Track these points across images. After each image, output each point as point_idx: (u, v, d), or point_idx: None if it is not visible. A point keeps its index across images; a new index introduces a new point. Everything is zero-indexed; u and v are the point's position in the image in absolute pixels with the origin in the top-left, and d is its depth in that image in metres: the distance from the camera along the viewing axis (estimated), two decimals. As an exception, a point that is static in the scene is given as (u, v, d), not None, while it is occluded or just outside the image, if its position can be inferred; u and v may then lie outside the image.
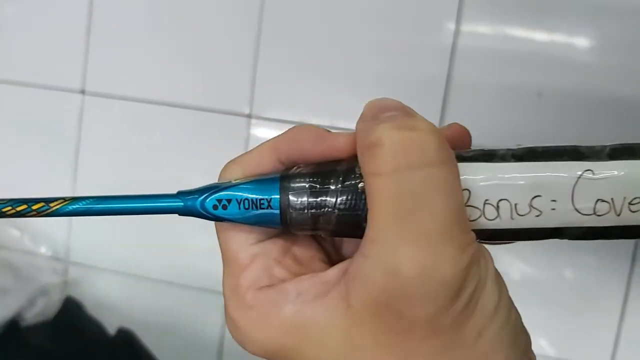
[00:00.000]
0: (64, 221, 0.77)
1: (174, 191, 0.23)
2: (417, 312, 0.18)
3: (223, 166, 0.23)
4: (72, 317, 0.72)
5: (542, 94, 0.64)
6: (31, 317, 0.71)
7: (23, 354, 0.68)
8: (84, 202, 0.22)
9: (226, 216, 0.22)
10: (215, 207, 0.22)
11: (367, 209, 0.20)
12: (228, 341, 0.73)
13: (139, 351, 0.67)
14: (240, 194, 0.22)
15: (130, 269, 0.75)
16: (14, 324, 0.69)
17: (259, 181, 0.22)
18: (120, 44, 0.74)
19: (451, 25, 0.65)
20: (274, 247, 0.23)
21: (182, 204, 0.22)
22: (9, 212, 0.22)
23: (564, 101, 0.63)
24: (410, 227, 0.18)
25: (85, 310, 0.72)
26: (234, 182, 0.22)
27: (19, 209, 0.22)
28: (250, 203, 0.21)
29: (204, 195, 0.22)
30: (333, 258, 0.24)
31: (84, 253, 0.77)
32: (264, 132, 0.70)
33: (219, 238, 0.23)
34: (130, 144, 0.75)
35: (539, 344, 0.65)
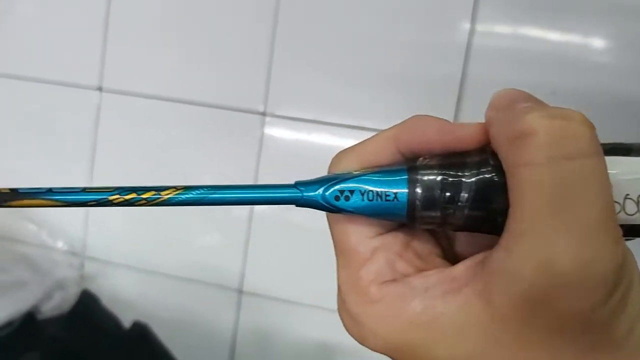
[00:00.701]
0: (80, 217, 0.78)
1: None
2: (572, 307, 0.18)
3: (334, 156, 0.22)
4: (87, 310, 0.73)
5: (556, 94, 0.63)
6: (48, 310, 0.72)
7: (39, 346, 0.69)
8: (197, 192, 0.21)
9: (348, 208, 0.21)
10: (337, 198, 0.21)
11: (505, 203, 0.19)
12: (241, 336, 0.74)
13: (154, 345, 0.68)
14: (364, 185, 0.21)
15: (145, 265, 0.76)
16: (31, 317, 0.70)
17: (385, 172, 0.21)
18: (137, 42, 0.75)
19: (466, 25, 0.65)
20: (395, 240, 0.22)
21: (300, 194, 0.21)
22: (116, 201, 0.21)
23: (578, 101, 0.63)
24: (566, 220, 0.17)
25: (100, 303, 0.73)
26: (355, 172, 0.21)
27: (127, 197, 0.21)
28: (375, 195, 0.21)
29: (326, 186, 0.21)
30: (447, 253, 0.23)
31: (100, 248, 0.78)
32: (278, 130, 0.71)
33: (333, 230, 0.22)
34: (146, 141, 0.76)
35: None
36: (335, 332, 0.70)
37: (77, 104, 0.76)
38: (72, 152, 0.78)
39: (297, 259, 0.72)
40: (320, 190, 0.21)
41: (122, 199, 0.21)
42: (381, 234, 0.22)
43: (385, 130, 0.22)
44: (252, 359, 0.75)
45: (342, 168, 0.22)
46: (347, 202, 0.21)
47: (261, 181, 0.69)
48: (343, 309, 0.22)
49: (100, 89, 0.76)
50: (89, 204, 0.21)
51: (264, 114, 0.71)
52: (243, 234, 0.73)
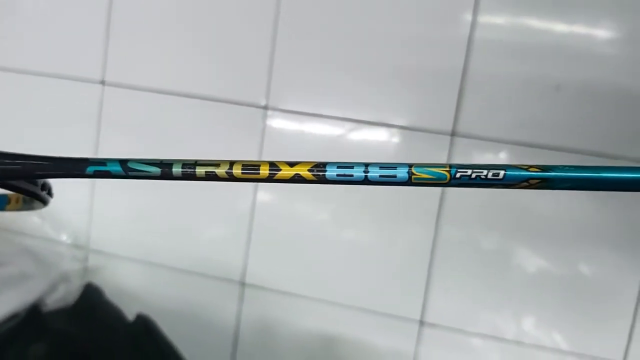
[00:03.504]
0: (84, 210, 0.78)
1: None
2: None
3: None
4: (91, 302, 0.73)
5: (560, 87, 0.63)
6: (52, 302, 0.73)
7: (44, 337, 0.70)
8: None
9: None
10: None
11: None
12: (243, 328, 0.74)
13: (157, 337, 0.68)
14: None
15: (148, 257, 0.76)
16: (35, 309, 0.70)
17: None
18: (140, 36, 0.75)
19: (468, 17, 0.64)
20: None
21: None
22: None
23: (582, 94, 0.63)
24: None
25: (104, 296, 0.74)
26: None
27: None
28: None
29: None
30: None
31: (104, 241, 0.79)
32: (280, 124, 0.71)
33: None
34: (148, 134, 0.76)
35: (553, 338, 0.65)
36: (337, 325, 0.70)
37: (80, 97, 0.77)
38: (75, 145, 0.78)
39: (299, 252, 0.72)
40: None
41: None
42: None
43: None
44: (255, 351, 0.75)
45: None
46: None
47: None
48: None
49: (103, 82, 0.76)
50: None
51: (265, 107, 0.71)
52: (246, 227, 0.73)
